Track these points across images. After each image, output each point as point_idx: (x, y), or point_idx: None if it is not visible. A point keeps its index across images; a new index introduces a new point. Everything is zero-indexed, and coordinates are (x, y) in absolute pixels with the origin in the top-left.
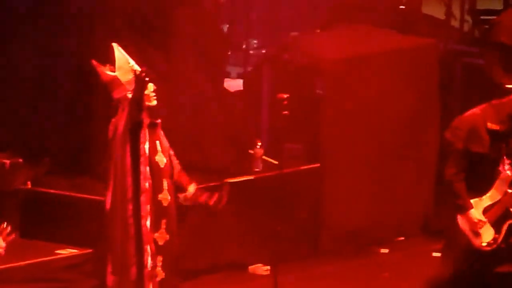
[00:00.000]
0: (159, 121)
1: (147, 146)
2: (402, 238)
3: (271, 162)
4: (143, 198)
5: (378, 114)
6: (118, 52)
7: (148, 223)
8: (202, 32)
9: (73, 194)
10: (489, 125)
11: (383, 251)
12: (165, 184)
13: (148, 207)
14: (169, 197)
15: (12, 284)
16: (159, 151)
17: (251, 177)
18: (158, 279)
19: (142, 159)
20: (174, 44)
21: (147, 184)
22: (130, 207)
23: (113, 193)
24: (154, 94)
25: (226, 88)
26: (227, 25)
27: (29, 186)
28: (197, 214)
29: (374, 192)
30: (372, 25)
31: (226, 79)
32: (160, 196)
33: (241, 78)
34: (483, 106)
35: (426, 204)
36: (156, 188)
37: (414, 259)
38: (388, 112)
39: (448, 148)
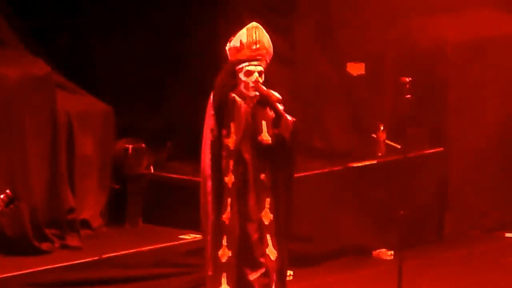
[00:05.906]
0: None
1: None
2: None
3: (394, 146)
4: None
5: (501, 97)
6: (247, 31)
7: (252, 201)
8: (325, 16)
9: (195, 178)
10: None
11: (508, 235)
12: (267, 163)
13: (250, 184)
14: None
15: (136, 268)
16: (264, 130)
17: (374, 161)
18: (273, 257)
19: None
20: (298, 29)
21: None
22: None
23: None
24: (253, 85)
25: (349, 71)
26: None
27: (152, 171)
28: (321, 200)
29: (497, 176)
30: (494, 9)
31: (348, 63)
32: (262, 176)
33: (364, 62)
34: None
35: None
36: (259, 167)
37: None
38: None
39: None
